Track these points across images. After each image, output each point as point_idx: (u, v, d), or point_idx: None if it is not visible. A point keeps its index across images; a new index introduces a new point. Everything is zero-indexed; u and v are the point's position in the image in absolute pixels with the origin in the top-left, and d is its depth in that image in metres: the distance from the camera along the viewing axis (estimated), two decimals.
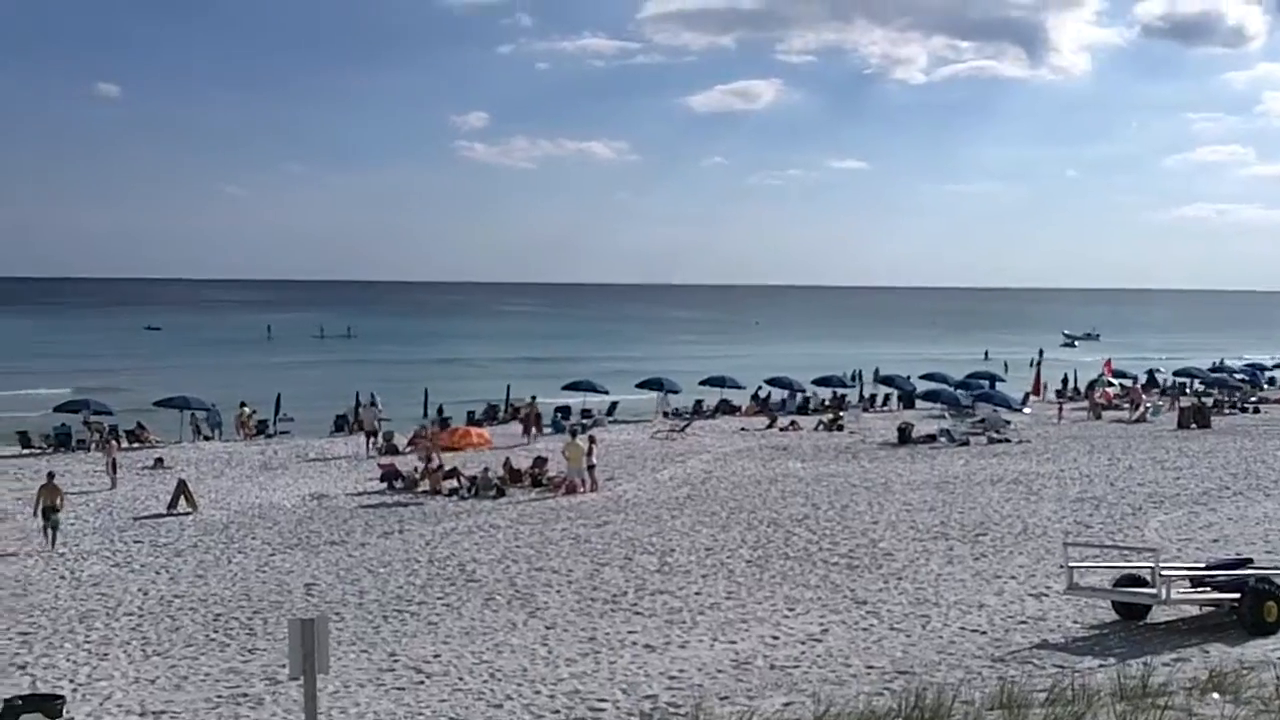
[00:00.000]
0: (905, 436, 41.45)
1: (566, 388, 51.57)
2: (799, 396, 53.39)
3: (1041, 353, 77.72)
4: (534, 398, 45.66)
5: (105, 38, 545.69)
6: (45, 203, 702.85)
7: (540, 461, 33.99)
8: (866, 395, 57.13)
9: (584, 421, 45.58)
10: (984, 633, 17.50)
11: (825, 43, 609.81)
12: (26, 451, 40.31)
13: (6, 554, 24.82)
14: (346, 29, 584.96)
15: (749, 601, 19.63)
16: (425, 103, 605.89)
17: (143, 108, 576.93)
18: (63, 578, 22.36)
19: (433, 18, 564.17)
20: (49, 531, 25.39)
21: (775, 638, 17.46)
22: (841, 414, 48.26)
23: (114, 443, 37.97)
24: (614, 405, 51.43)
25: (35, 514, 26.20)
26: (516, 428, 47.51)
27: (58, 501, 25.94)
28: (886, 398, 56.18)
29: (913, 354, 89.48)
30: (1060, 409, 50.72)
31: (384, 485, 32.75)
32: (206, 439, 43.99)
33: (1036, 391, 58.23)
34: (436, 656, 16.87)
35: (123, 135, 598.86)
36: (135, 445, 41.16)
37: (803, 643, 17.18)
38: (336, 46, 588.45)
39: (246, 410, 46.03)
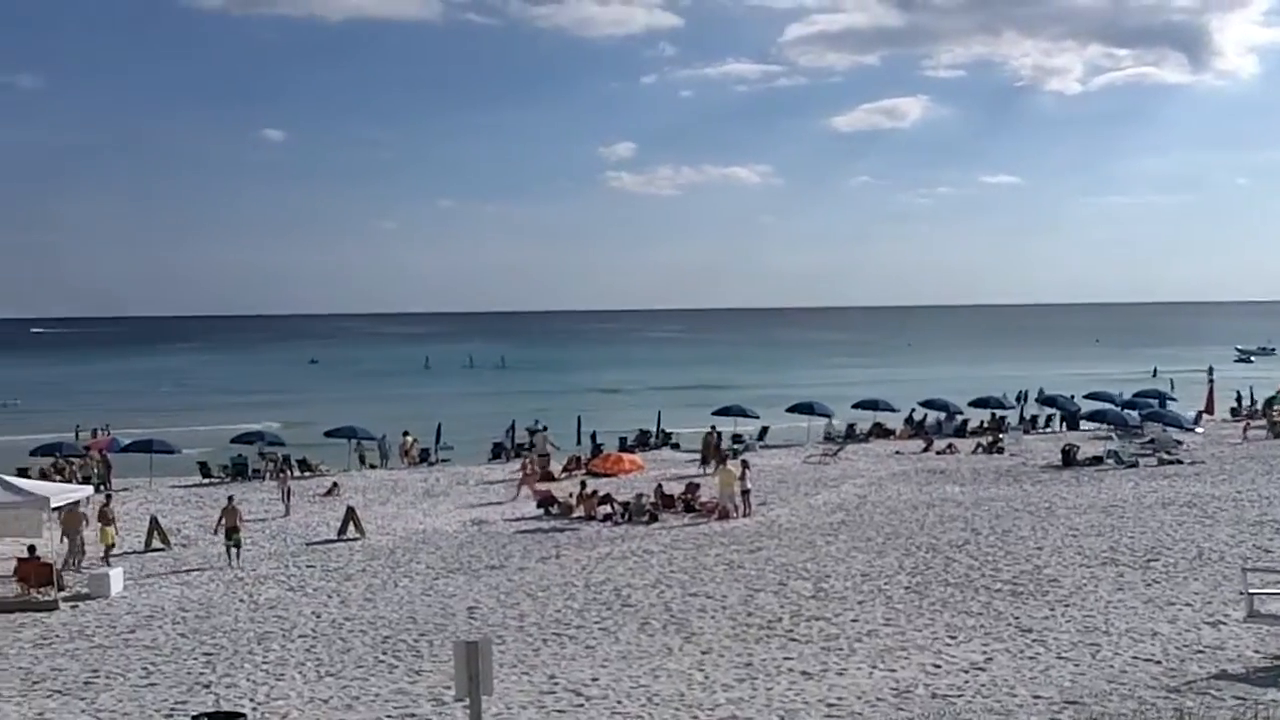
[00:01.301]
0: (1070, 458, 40.31)
1: (717, 413, 51.57)
2: (956, 418, 52.37)
3: (1211, 369, 74.89)
4: (713, 427, 45.50)
5: (271, 87, 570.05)
6: (216, 243, 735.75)
7: (693, 487, 34.10)
8: (1027, 416, 55.68)
9: (735, 447, 45.53)
10: (1158, 662, 16.94)
11: (974, 56, 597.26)
12: (206, 481, 42.25)
13: (190, 570, 26.11)
14: (495, 66, 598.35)
15: (908, 629, 19.37)
16: (573, 135, 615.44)
17: (303, 151, 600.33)
18: (242, 601, 23.36)
19: (578, 51, 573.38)
20: (231, 550, 27.41)
21: (937, 666, 17.19)
22: (1001, 436, 47.18)
23: (287, 472, 39.54)
24: (765, 430, 51.25)
25: (216, 533, 28.51)
26: (668, 453, 47.99)
27: (238, 522, 27.98)
28: (1049, 419, 54.66)
29: (1075, 373, 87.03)
30: (1246, 427, 48.60)
31: (540, 511, 33.30)
32: (372, 467, 45.46)
33: (1209, 410, 55.95)
34: (595, 680, 17.09)
35: (285, 177, 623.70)
36: (306, 474, 42.71)
37: (965, 671, 16.88)
38: (485, 83, 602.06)
39: (409, 439, 47.44)
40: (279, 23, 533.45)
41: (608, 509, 32.28)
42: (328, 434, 47.60)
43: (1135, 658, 17.20)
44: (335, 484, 39.19)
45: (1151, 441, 42.78)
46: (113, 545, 28.05)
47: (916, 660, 17.49)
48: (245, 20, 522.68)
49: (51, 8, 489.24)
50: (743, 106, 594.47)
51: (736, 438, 48.57)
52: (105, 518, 28.30)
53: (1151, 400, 54.54)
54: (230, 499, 29.59)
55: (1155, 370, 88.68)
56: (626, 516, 31.52)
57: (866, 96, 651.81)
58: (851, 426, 51.53)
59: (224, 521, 28.03)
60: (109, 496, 31.29)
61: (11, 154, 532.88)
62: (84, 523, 27.82)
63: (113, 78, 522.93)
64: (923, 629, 19.31)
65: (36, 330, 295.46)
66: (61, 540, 27.22)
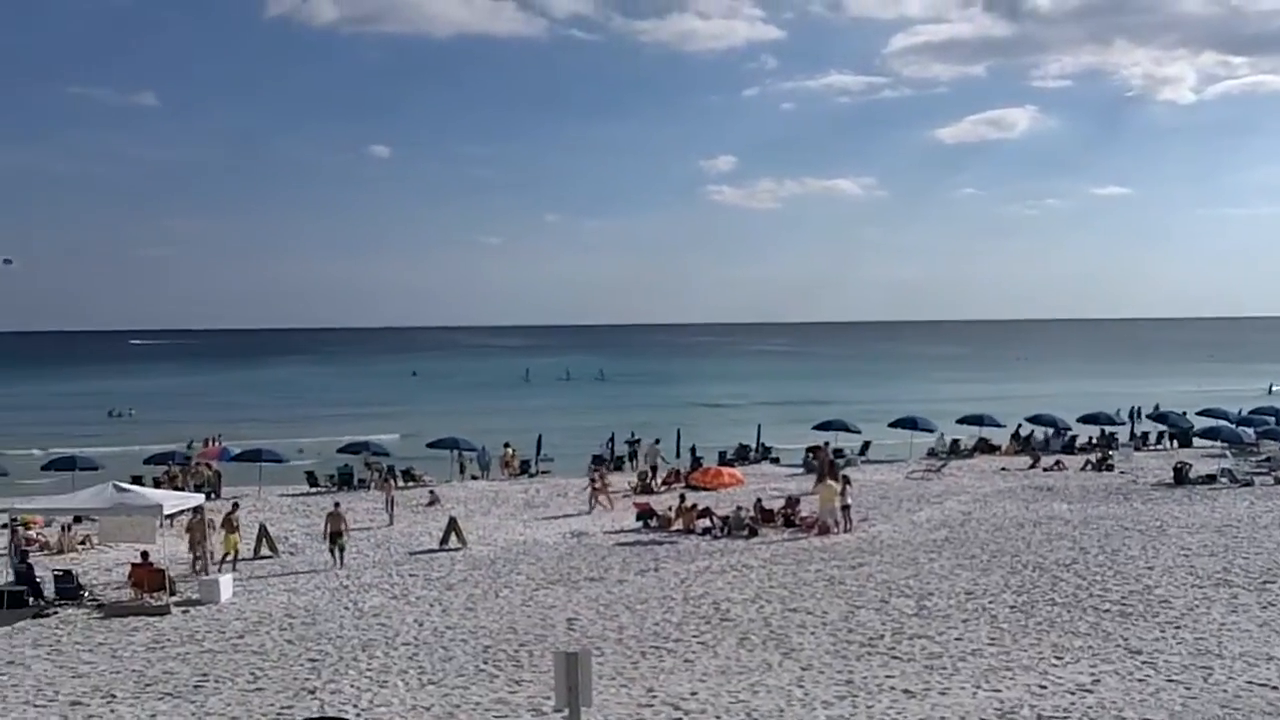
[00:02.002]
0: (1182, 476, 39.26)
1: (818, 427, 51.28)
2: (1064, 435, 51.35)
3: None
4: (827, 444, 45.06)
5: (379, 104, 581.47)
6: (321, 257, 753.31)
7: (793, 502, 33.91)
8: (1138, 433, 54.36)
9: (836, 461, 45.13)
10: (1274, 688, 16.43)
11: (1083, 66, 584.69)
12: (314, 490, 43.14)
13: (297, 575, 26.65)
14: (598, 81, 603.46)
15: (1013, 648, 19.01)
16: (675, 149, 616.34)
17: (409, 166, 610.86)
18: (346, 608, 23.76)
19: (679, 65, 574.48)
20: (335, 554, 28.60)
21: (1042, 687, 16.85)
22: (1111, 453, 46.13)
23: (391, 482, 40.15)
24: (867, 445, 50.77)
25: (324, 539, 29.41)
26: (768, 467, 47.81)
27: (342, 528, 29.02)
28: (1160, 436, 53.32)
29: (1188, 389, 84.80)
30: None
31: (639, 524, 33.38)
32: (474, 478, 46.01)
33: None
34: (694, 694, 17.05)
35: (392, 193, 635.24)
36: (410, 484, 43.36)
37: (1072, 693, 16.52)
38: (588, 99, 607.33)
39: (510, 450, 47.94)
40: (387, 40, 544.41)
41: (707, 523, 32.25)
42: (430, 445, 48.36)
43: (1250, 682, 16.69)
44: (433, 494, 39.71)
45: (1268, 459, 41.58)
46: (236, 552, 28.80)
47: (1022, 681, 17.16)
48: (354, 38, 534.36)
49: (168, 29, 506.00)
50: (845, 118, 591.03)
51: (837, 452, 48.18)
52: (230, 525, 29.12)
53: (1268, 417, 52.91)
54: (336, 505, 30.83)
55: (1271, 387, 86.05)
56: (726, 530, 31.46)
57: (972, 107, 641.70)
58: (956, 442, 50.81)
59: (329, 527, 29.11)
60: (236, 505, 32.03)
61: (132, 171, 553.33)
62: (211, 530, 28.57)
63: (225, 96, 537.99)
64: (1028, 649, 18.94)
65: (135, 342, 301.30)
66: (190, 547, 28.10)
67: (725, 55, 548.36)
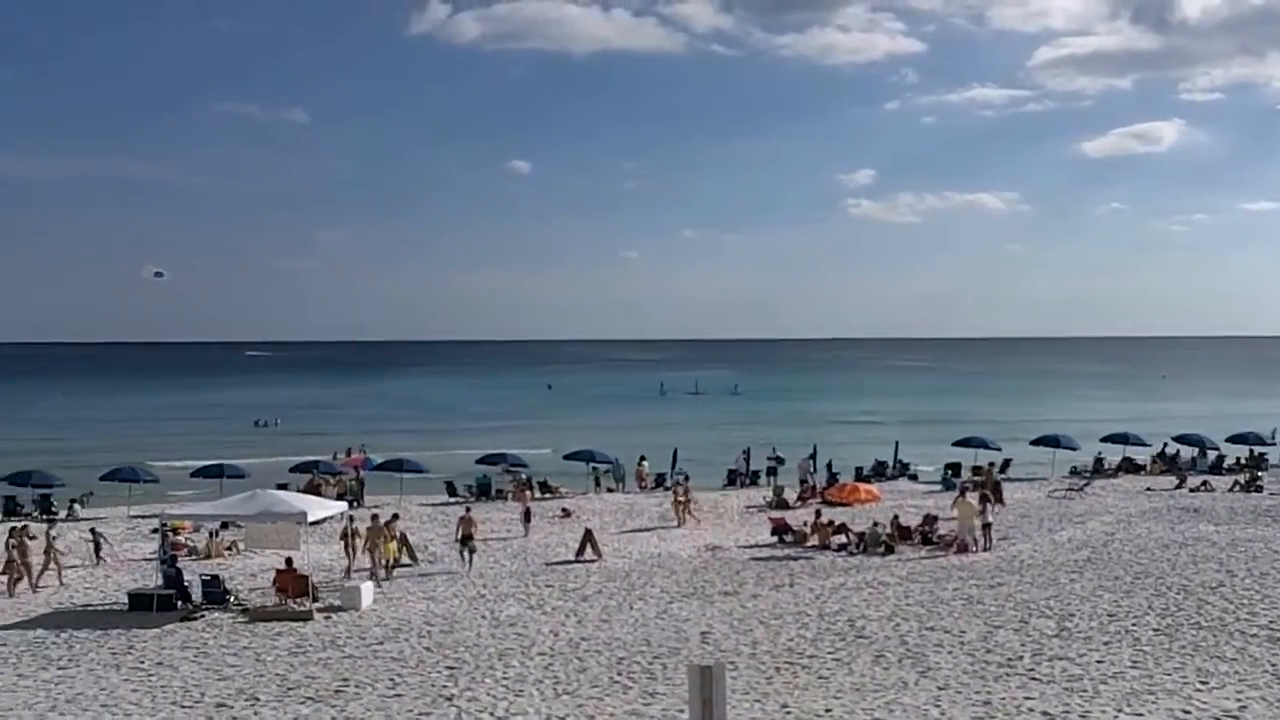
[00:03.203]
0: None
1: (957, 444, 50.51)
2: (1211, 455, 49.66)
3: None
4: (992, 464, 44.38)
5: (518, 120, 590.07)
6: (461, 270, 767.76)
7: (930, 519, 33.49)
8: None
9: (975, 479, 44.37)
10: None
11: (1233, 79, 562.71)
12: (453, 500, 44.13)
13: (436, 583, 27.30)
14: (737, 96, 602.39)
15: (1156, 672, 18.53)
16: (814, 164, 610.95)
17: (549, 182, 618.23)
18: (484, 617, 24.27)
19: (819, 79, 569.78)
20: (465, 556, 30.04)
21: (1186, 712, 16.40)
22: (1260, 474, 44.51)
23: (528, 492, 40.81)
24: (1007, 463, 49.78)
25: (457, 542, 30.77)
26: (905, 484, 47.27)
27: (473, 531, 30.49)
28: None
29: None
30: None
31: (775, 539, 33.35)
32: (610, 490, 46.48)
33: None
34: (828, 710, 17.01)
35: (531, 208, 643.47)
36: (546, 495, 44.03)
37: (1217, 719, 16.05)
38: (727, 113, 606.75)
39: (645, 464, 48.30)
40: (529, 57, 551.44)
41: (843, 539, 32.09)
42: (567, 457, 49.11)
43: None
44: (565, 509, 40.04)
45: None
46: (394, 560, 29.66)
47: (1165, 705, 16.73)
48: (497, 55, 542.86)
49: (316, 48, 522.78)
50: (988, 132, 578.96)
51: (976, 469, 47.38)
52: (390, 534, 30.05)
53: None
54: (467, 509, 32.32)
55: None
56: (862, 547, 31.25)
57: (1118, 121, 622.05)
58: (1099, 461, 49.55)
59: (460, 530, 30.53)
60: (396, 515, 32.76)
61: (279, 185, 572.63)
62: (382, 537, 29.42)
63: (371, 112, 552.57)
64: (1172, 673, 18.44)
65: (251, 353, 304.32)
66: (352, 554, 29.04)
67: (865, 69, 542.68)
